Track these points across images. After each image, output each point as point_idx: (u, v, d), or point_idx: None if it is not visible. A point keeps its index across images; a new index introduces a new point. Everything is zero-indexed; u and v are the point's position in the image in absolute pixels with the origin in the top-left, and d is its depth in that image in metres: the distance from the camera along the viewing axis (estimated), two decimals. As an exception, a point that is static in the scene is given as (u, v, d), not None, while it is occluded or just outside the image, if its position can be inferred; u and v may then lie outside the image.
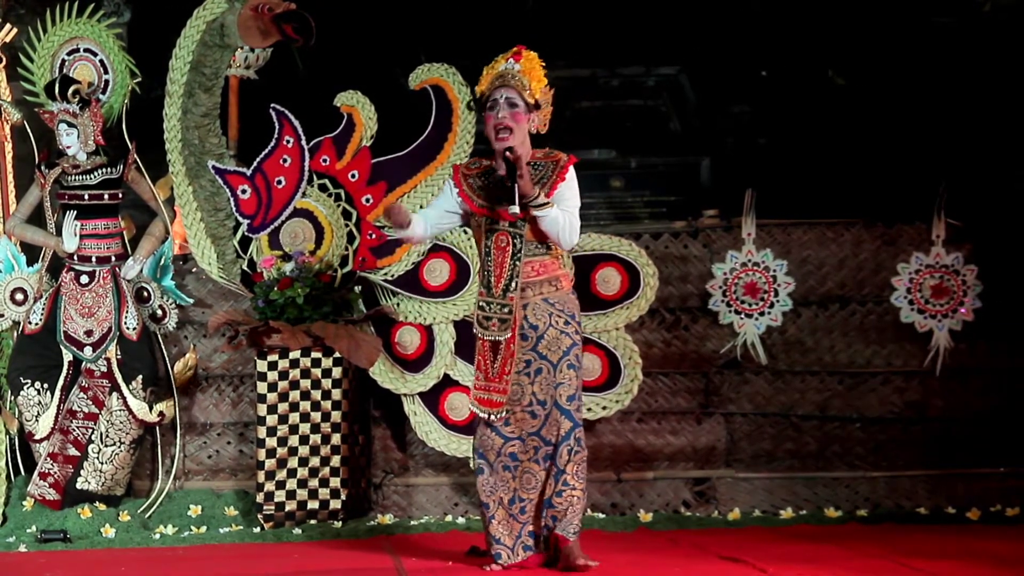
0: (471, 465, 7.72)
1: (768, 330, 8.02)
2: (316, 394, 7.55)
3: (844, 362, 8.08)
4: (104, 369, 7.79)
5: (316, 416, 7.54)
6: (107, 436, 7.73)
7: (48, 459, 7.74)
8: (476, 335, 6.12)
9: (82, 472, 7.72)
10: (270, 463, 7.52)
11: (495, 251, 6.06)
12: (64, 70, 7.95)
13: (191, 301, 8.01)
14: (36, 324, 7.83)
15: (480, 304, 6.09)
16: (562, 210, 6.00)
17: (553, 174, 6.06)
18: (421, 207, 7.68)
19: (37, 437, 7.77)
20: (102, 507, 7.65)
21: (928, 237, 8.04)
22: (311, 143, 7.78)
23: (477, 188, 6.14)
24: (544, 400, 6.06)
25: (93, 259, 7.85)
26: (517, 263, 6.03)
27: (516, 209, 5.92)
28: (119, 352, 7.80)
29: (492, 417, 6.09)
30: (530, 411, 6.08)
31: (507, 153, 5.90)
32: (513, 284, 6.03)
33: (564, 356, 6.06)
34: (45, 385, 7.79)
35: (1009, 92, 8.52)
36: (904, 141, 8.90)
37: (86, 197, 7.82)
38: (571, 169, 6.09)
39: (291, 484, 7.52)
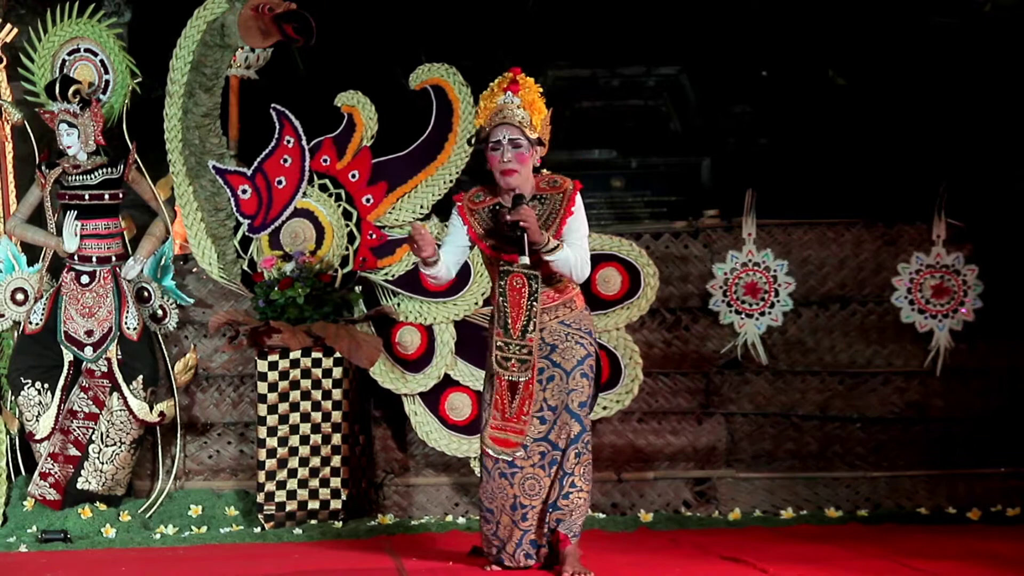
0: (472, 465, 7.75)
1: (769, 330, 8.02)
2: (317, 394, 7.55)
3: (845, 362, 8.08)
4: (104, 369, 7.79)
5: (317, 416, 7.54)
6: (108, 436, 7.73)
7: (49, 459, 7.74)
8: (494, 374, 6.03)
9: (83, 472, 7.72)
10: (271, 463, 7.52)
11: (510, 292, 5.99)
12: (65, 70, 7.95)
13: (192, 301, 8.00)
14: (37, 324, 7.83)
15: (498, 344, 6.00)
16: (572, 244, 5.94)
17: (561, 207, 5.97)
18: (421, 207, 7.71)
19: (38, 437, 7.77)
20: (103, 507, 7.65)
21: (929, 237, 8.04)
22: (312, 143, 7.77)
23: (485, 227, 6.04)
24: (555, 406, 6.00)
25: (94, 259, 7.85)
26: (534, 304, 5.96)
27: (526, 260, 5.85)
28: (119, 352, 7.80)
29: (507, 458, 6.00)
30: (539, 417, 6.02)
31: (513, 217, 5.80)
32: (531, 326, 5.96)
33: (578, 365, 6.01)
34: (46, 385, 7.79)
35: (1010, 92, 8.52)
36: (905, 141, 8.90)
37: (86, 197, 7.82)
38: (578, 198, 6.00)
39: (292, 484, 7.52)
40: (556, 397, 6.00)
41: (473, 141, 7.39)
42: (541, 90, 6.05)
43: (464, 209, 6.09)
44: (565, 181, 6.03)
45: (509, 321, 5.99)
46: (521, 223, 5.80)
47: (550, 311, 6.02)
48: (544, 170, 6.10)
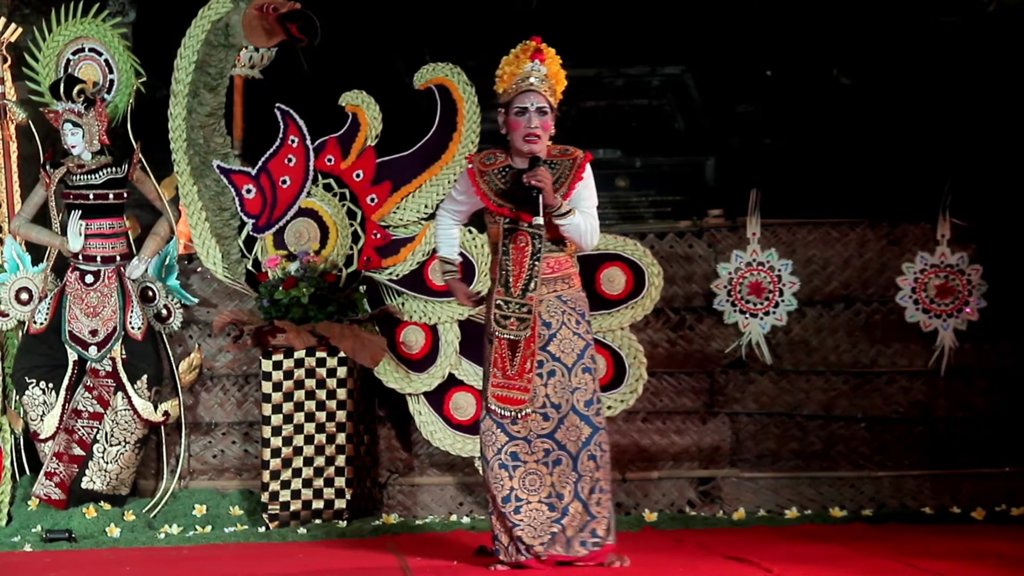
0: (476, 464, 7.75)
1: (773, 330, 8.02)
2: (321, 394, 7.55)
3: (849, 362, 8.08)
4: (109, 369, 7.80)
5: (321, 416, 7.54)
6: (112, 436, 7.74)
7: (53, 459, 7.75)
8: (492, 334, 6.02)
9: (87, 472, 7.72)
10: (275, 463, 7.52)
11: (514, 250, 5.98)
12: (69, 70, 7.96)
13: (196, 301, 8.01)
14: (41, 324, 7.83)
15: (498, 303, 5.99)
16: (582, 212, 5.98)
17: (570, 173, 6.02)
18: (426, 206, 7.70)
19: (42, 437, 7.78)
20: (107, 507, 7.66)
21: (933, 237, 8.04)
22: (316, 143, 7.77)
23: (496, 187, 6.06)
24: (558, 404, 6.00)
25: (98, 259, 7.86)
26: (536, 263, 5.96)
27: (540, 220, 5.88)
28: (124, 352, 7.81)
29: (516, 415, 5.98)
30: (542, 413, 6.01)
31: (532, 181, 5.85)
32: (532, 284, 5.96)
33: (579, 359, 6.01)
34: (50, 385, 7.80)
35: (1014, 91, 8.51)
36: (909, 140, 8.90)
37: (91, 197, 7.83)
38: (587, 167, 6.05)
39: (296, 484, 7.52)
40: (559, 395, 6.00)
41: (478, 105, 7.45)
42: (561, 61, 6.09)
43: (474, 172, 6.12)
44: (576, 151, 6.08)
45: (511, 279, 5.99)
46: (535, 183, 5.85)
47: (548, 284, 6.02)
48: (551, 142, 6.13)
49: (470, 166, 6.15)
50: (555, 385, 6.00)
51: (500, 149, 6.14)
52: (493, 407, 6.02)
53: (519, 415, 6.00)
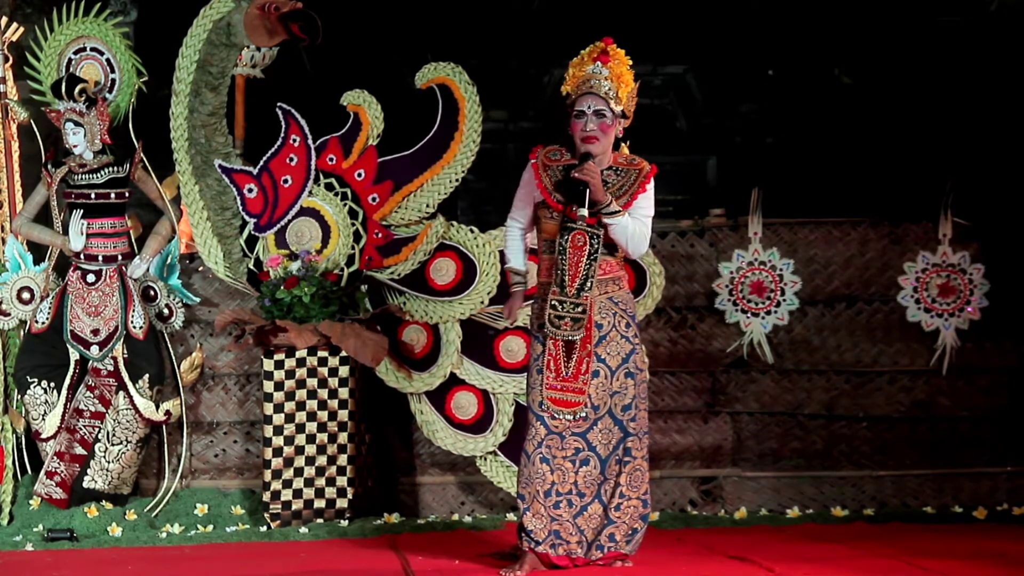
0: (477, 463, 7.75)
1: (774, 329, 8.02)
2: (323, 393, 7.55)
3: (850, 361, 8.08)
4: (111, 368, 7.80)
5: (323, 415, 7.55)
6: (114, 435, 7.74)
7: (55, 458, 7.75)
8: (543, 334, 6.03)
9: (89, 471, 7.72)
10: (277, 462, 7.52)
11: (571, 250, 5.99)
12: (71, 69, 7.96)
13: (197, 300, 8.01)
14: (43, 323, 7.83)
15: (552, 303, 5.99)
16: (634, 218, 6.01)
17: (635, 183, 6.05)
18: (428, 206, 7.70)
19: (44, 436, 7.78)
20: (109, 506, 7.66)
21: (935, 236, 8.04)
22: (317, 142, 7.77)
23: (556, 182, 6.08)
24: (597, 405, 6.03)
25: (100, 258, 7.86)
26: (593, 263, 5.97)
27: (584, 212, 5.91)
28: (126, 351, 7.81)
29: (574, 417, 6.00)
30: (582, 414, 6.06)
31: (577, 175, 5.89)
32: (588, 284, 5.97)
33: (623, 363, 6.04)
34: (52, 384, 7.80)
35: (1016, 91, 8.52)
36: (911, 140, 8.90)
37: (92, 196, 7.83)
38: (651, 181, 6.09)
39: (298, 483, 7.52)
40: (600, 396, 6.02)
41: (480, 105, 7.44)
42: (631, 62, 6.13)
43: (538, 165, 6.14)
44: (643, 162, 6.13)
45: (567, 278, 6.00)
46: (581, 177, 5.89)
47: (600, 285, 6.03)
48: (624, 147, 6.13)
49: (534, 160, 6.16)
50: (598, 386, 6.02)
51: (566, 147, 6.16)
52: (549, 410, 6.03)
53: (576, 417, 6.02)
